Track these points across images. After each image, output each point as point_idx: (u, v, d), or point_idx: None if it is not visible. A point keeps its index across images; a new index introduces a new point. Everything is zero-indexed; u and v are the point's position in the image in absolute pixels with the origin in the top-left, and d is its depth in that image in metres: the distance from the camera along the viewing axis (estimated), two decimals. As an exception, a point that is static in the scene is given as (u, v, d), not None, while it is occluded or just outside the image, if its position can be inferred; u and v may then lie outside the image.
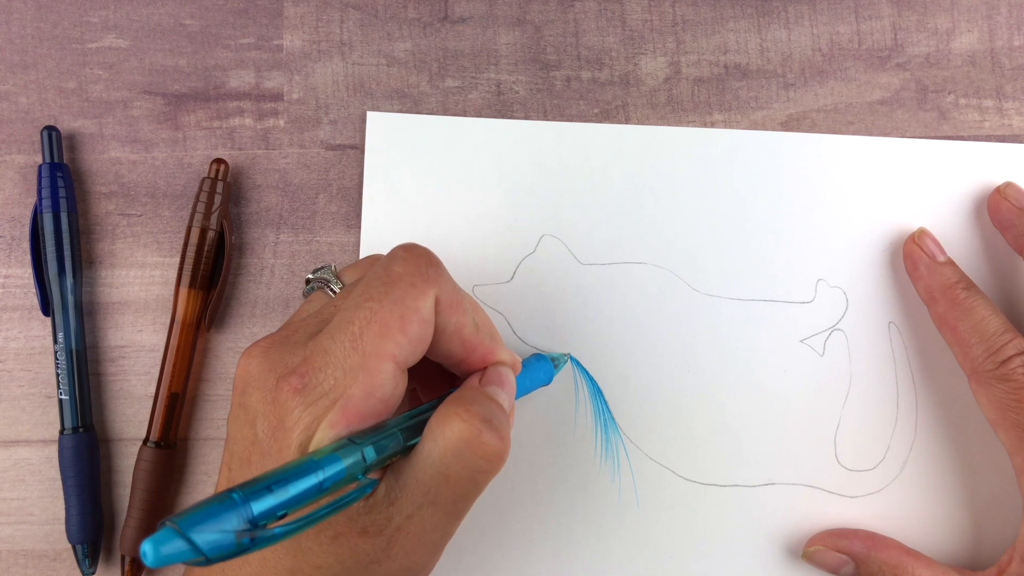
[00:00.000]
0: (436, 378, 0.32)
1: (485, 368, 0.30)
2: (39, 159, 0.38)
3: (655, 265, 0.38)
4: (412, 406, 0.30)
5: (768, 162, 0.38)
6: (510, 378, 0.30)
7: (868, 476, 0.37)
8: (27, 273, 0.38)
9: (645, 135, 0.38)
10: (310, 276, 0.32)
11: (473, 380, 0.29)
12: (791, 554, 0.36)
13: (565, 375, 0.37)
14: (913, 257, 0.36)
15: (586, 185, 0.38)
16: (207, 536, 0.19)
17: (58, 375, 0.37)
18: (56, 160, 0.38)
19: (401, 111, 0.39)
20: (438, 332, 0.28)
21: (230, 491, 0.21)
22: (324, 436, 0.25)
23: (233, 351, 0.38)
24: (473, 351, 0.29)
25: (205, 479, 0.38)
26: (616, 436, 0.37)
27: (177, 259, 0.38)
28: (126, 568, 0.36)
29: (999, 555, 0.35)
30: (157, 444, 0.36)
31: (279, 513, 0.22)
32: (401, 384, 0.27)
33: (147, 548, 0.18)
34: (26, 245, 0.38)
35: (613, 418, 0.37)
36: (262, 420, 0.26)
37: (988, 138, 0.39)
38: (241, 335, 0.38)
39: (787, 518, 0.36)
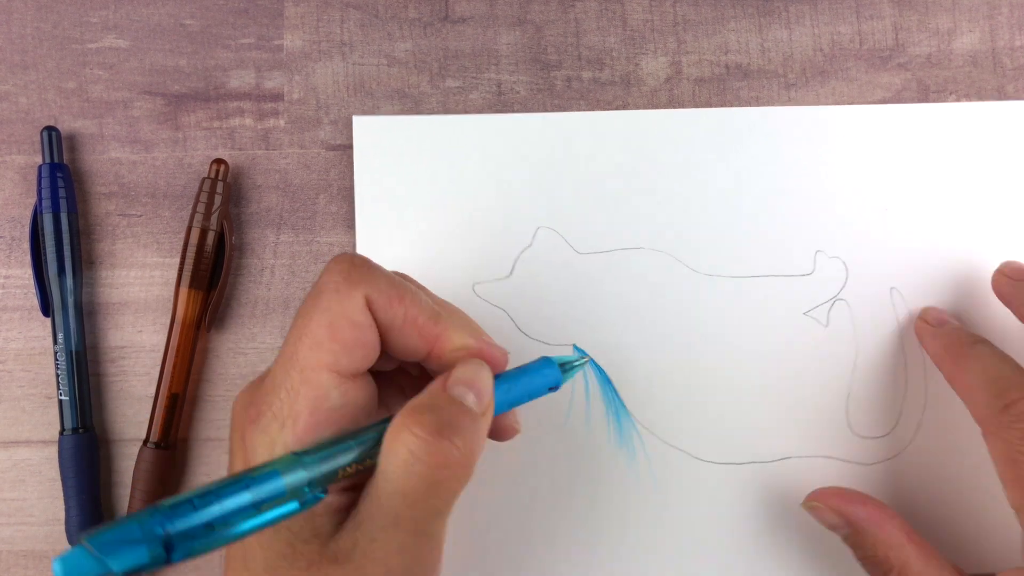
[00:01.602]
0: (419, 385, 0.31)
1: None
2: (39, 159, 0.38)
3: (653, 249, 0.38)
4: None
5: (758, 138, 0.38)
6: (481, 374, 0.27)
7: (882, 442, 0.37)
8: (27, 273, 0.38)
9: (632, 120, 0.38)
10: None
11: (437, 383, 0.27)
12: (811, 527, 0.36)
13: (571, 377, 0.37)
14: (920, 331, 0.36)
15: (578, 174, 0.38)
16: (117, 556, 0.20)
17: (58, 376, 0.37)
18: (56, 160, 0.37)
19: (401, 111, 0.39)
20: (386, 330, 0.27)
21: (154, 505, 0.21)
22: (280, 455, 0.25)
23: (233, 351, 0.38)
24: (435, 341, 0.28)
25: (205, 479, 0.38)
26: (629, 423, 0.37)
27: (177, 259, 0.38)
28: (126, 569, 0.36)
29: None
30: (157, 445, 0.36)
31: (204, 531, 0.22)
32: (351, 393, 0.26)
33: (57, 567, 0.19)
34: (26, 245, 0.38)
35: (624, 405, 0.37)
36: (236, 457, 0.27)
37: (989, 138, 0.39)
38: (241, 335, 0.38)
39: (805, 490, 0.36)
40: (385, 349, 0.28)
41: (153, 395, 0.37)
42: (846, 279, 0.38)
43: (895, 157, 0.38)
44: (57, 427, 0.37)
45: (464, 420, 0.26)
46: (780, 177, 0.38)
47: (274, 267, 0.38)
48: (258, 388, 0.28)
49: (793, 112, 0.38)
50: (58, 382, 0.37)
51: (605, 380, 0.37)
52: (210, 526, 0.22)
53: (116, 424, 0.38)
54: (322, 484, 0.25)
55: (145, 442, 0.37)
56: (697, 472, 0.37)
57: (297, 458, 0.24)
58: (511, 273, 0.37)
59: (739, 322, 0.37)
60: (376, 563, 0.25)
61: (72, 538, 0.36)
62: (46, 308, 0.37)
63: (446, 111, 0.39)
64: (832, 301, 0.37)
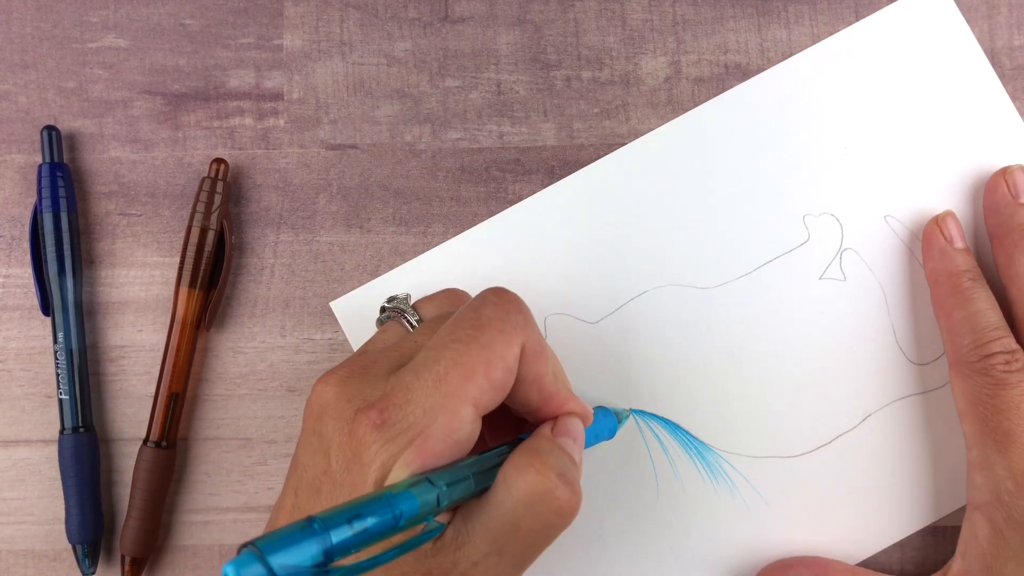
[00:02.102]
0: (503, 421, 0.32)
1: (556, 417, 0.29)
2: (39, 159, 0.38)
3: (656, 287, 0.38)
4: (478, 447, 0.30)
5: (712, 135, 0.38)
6: (581, 431, 0.29)
7: (942, 362, 0.37)
8: (27, 273, 0.38)
9: (595, 174, 0.38)
10: (385, 304, 0.33)
11: (545, 429, 0.29)
12: (924, 467, 0.36)
13: (632, 437, 0.37)
14: (930, 239, 0.36)
15: (562, 251, 0.38)
16: (285, 563, 0.19)
17: (58, 375, 0.37)
18: (56, 160, 0.38)
19: (401, 111, 0.39)
20: (519, 380, 0.28)
21: (311, 519, 0.21)
22: (399, 474, 0.25)
23: (233, 351, 0.38)
24: (550, 401, 0.29)
25: (205, 479, 0.38)
26: (712, 455, 0.37)
27: (177, 259, 0.38)
28: (126, 568, 0.36)
29: None
30: (157, 444, 0.36)
31: (353, 548, 0.21)
32: (477, 428, 0.27)
33: (228, 571, 0.18)
34: (26, 245, 0.38)
35: (700, 440, 0.37)
36: (336, 451, 0.26)
37: (988, 138, 0.39)
38: (241, 335, 0.38)
39: (897, 439, 0.36)
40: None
41: (153, 394, 0.37)
42: (841, 229, 0.38)
43: (835, 96, 0.38)
44: (57, 426, 0.37)
45: (574, 469, 0.27)
46: (743, 162, 0.38)
47: (274, 267, 0.38)
48: (369, 386, 0.27)
49: (733, 94, 0.38)
50: (58, 381, 0.37)
51: (672, 427, 0.37)
52: (360, 541, 0.22)
53: (116, 423, 0.38)
54: (442, 511, 0.25)
55: (145, 441, 0.37)
56: (794, 469, 0.37)
57: (432, 484, 0.24)
58: None
59: (766, 316, 0.37)
60: None
61: (72, 537, 0.36)
62: (46, 307, 0.37)
63: (446, 111, 0.39)
64: (839, 255, 0.38)
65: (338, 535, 0.21)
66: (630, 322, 0.37)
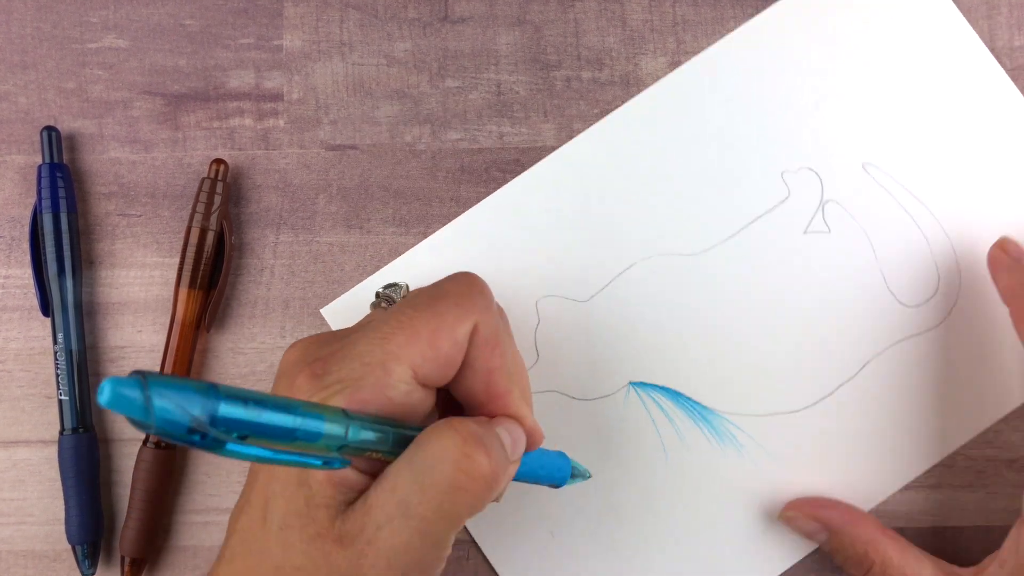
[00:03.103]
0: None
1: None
2: (39, 159, 0.38)
3: (643, 258, 0.38)
4: None
5: (681, 104, 0.38)
6: (520, 437, 0.28)
7: (936, 302, 0.37)
8: (27, 273, 0.38)
9: (561, 159, 0.38)
10: (379, 290, 0.33)
11: (483, 417, 0.28)
12: (927, 406, 0.37)
13: (635, 410, 0.37)
14: (997, 262, 0.36)
15: (544, 235, 0.38)
16: (165, 404, 0.19)
17: (58, 375, 0.37)
18: (56, 160, 0.38)
19: (401, 111, 0.39)
20: (467, 366, 0.28)
21: (214, 384, 0.20)
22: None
23: (233, 351, 0.38)
24: (496, 399, 0.28)
25: (205, 479, 0.38)
26: (717, 419, 0.37)
27: (177, 259, 0.38)
28: (126, 568, 0.36)
29: None
30: (157, 444, 0.36)
31: (239, 430, 0.21)
32: (418, 396, 0.27)
33: (106, 385, 0.18)
34: (26, 245, 0.38)
35: (703, 405, 0.37)
36: None
37: (989, 138, 0.39)
38: (241, 335, 0.38)
39: (898, 382, 0.37)
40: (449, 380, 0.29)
41: (153, 395, 0.37)
42: (821, 182, 0.38)
43: (804, 51, 0.38)
44: (57, 427, 0.37)
45: (499, 450, 0.27)
46: (716, 127, 0.38)
47: (274, 267, 0.38)
48: (325, 346, 0.27)
49: (700, 60, 0.38)
50: (58, 382, 0.37)
51: (675, 395, 0.37)
52: (248, 430, 0.21)
53: (116, 424, 0.38)
54: (351, 453, 0.25)
55: (145, 442, 0.37)
56: (798, 424, 0.37)
57: (346, 417, 0.24)
58: (537, 354, 0.37)
59: (755, 275, 0.38)
60: (378, 553, 0.25)
61: (72, 537, 0.36)
62: (46, 308, 0.37)
63: (445, 111, 0.39)
64: (821, 208, 0.38)
65: (228, 408, 0.20)
66: (621, 296, 0.38)
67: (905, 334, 0.37)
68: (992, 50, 0.39)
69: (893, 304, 0.37)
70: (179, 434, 0.19)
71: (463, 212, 0.38)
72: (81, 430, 0.37)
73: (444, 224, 0.38)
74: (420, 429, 0.27)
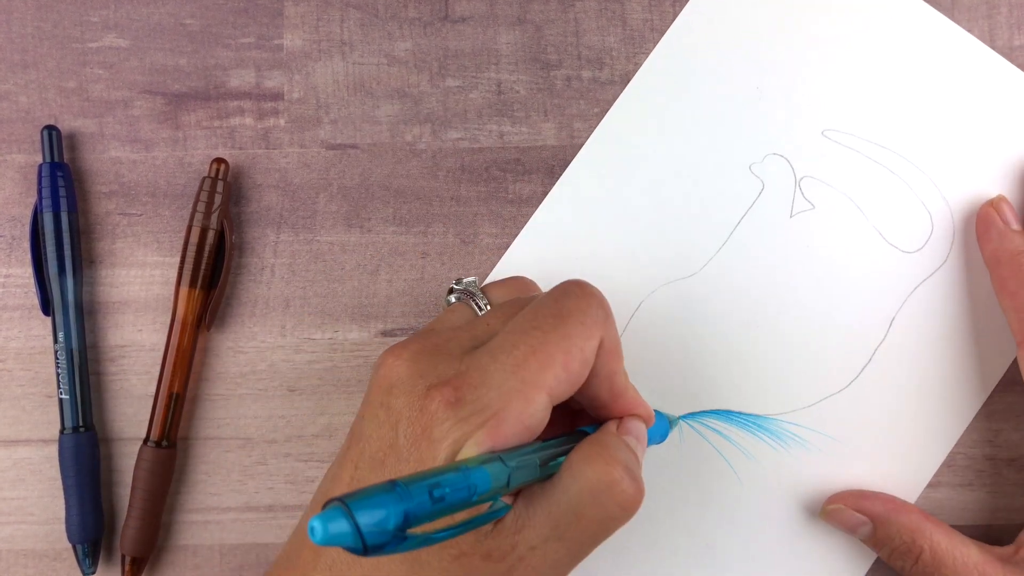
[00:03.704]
0: (561, 412, 0.31)
1: (621, 417, 0.29)
2: (39, 159, 0.38)
3: (649, 294, 0.38)
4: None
5: (631, 133, 0.38)
6: (644, 432, 0.30)
7: (933, 246, 0.38)
8: (27, 273, 0.38)
9: (536, 221, 0.38)
10: (454, 286, 0.33)
11: (611, 426, 0.29)
12: (963, 346, 0.37)
13: (693, 443, 0.37)
14: (987, 220, 0.37)
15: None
16: (370, 521, 0.19)
17: (58, 375, 0.37)
18: (56, 160, 0.38)
19: (402, 111, 0.39)
20: (592, 374, 0.28)
21: (394, 483, 0.20)
22: (469, 452, 0.25)
23: (233, 351, 0.38)
24: (619, 399, 0.29)
25: (205, 479, 0.38)
26: (771, 423, 0.37)
27: (177, 259, 0.38)
28: (126, 568, 0.36)
29: None
30: (157, 444, 0.36)
31: (428, 518, 0.21)
32: (547, 416, 0.27)
33: (315, 524, 0.18)
34: (26, 245, 0.38)
35: (754, 415, 0.37)
36: (406, 425, 0.26)
37: (988, 138, 0.39)
38: (241, 335, 0.38)
39: (927, 328, 0.37)
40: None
41: (153, 394, 0.37)
42: (789, 163, 0.38)
43: (730, 42, 0.39)
44: (57, 426, 0.37)
45: (638, 467, 0.27)
46: (673, 142, 0.38)
47: (274, 266, 0.38)
48: (442, 362, 0.27)
49: (632, 87, 0.39)
50: (58, 381, 0.37)
51: (723, 415, 0.37)
52: (434, 507, 0.21)
53: (116, 423, 0.38)
54: (507, 493, 0.25)
55: (145, 441, 0.37)
56: (850, 401, 0.37)
57: (503, 463, 0.24)
58: None
59: (758, 273, 0.38)
60: (530, 569, 0.26)
61: (72, 537, 0.36)
62: (46, 307, 0.37)
63: (446, 111, 0.39)
64: (797, 187, 0.38)
65: (418, 501, 0.21)
66: (640, 336, 0.37)
67: (919, 279, 0.37)
68: (992, 49, 0.39)
69: (896, 255, 0.38)
70: (389, 543, 0.20)
71: (463, 211, 0.38)
72: (81, 429, 0.37)
73: (444, 223, 0.38)
74: (560, 446, 0.27)
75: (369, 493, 0.20)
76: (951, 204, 0.38)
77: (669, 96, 0.39)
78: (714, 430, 0.37)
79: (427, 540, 0.21)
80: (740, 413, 0.37)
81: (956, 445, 0.37)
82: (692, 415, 0.37)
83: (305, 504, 0.37)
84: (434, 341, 0.28)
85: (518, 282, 0.34)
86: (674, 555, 0.36)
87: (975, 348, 0.37)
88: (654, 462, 0.37)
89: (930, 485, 0.37)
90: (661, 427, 0.34)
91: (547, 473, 0.27)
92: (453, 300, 0.33)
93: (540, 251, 0.38)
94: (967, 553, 0.33)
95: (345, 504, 0.19)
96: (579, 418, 0.31)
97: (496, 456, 0.24)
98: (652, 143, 0.38)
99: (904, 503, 0.35)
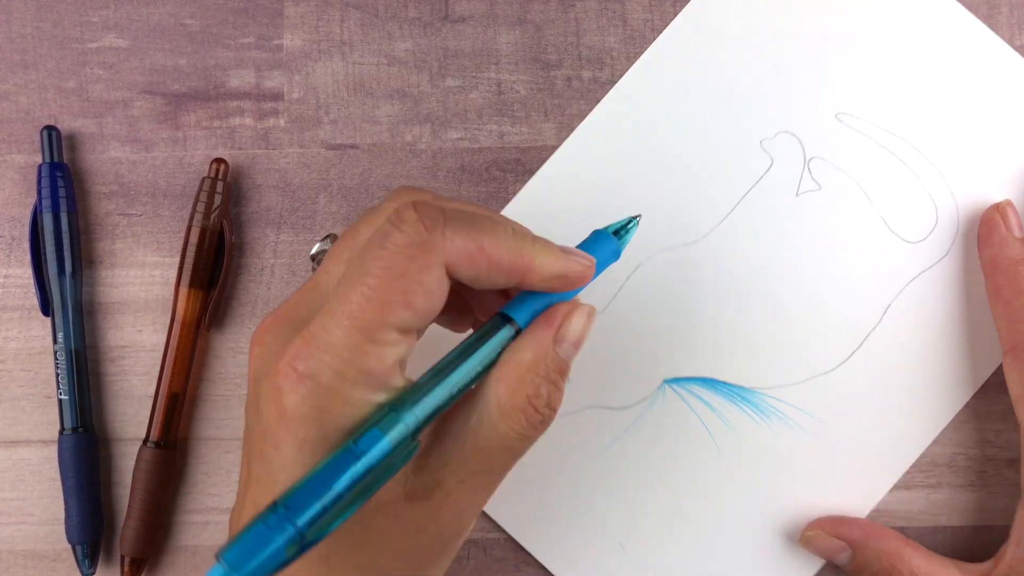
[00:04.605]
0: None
1: (551, 314, 0.27)
2: (39, 159, 0.38)
3: (647, 257, 0.38)
4: (458, 311, 0.29)
5: (646, 100, 0.38)
6: (588, 327, 0.27)
7: (937, 235, 0.38)
8: (27, 273, 0.38)
9: (543, 179, 0.38)
10: (314, 251, 0.31)
11: (545, 335, 0.26)
12: (955, 338, 0.37)
13: (676, 406, 0.37)
14: (990, 224, 0.36)
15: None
16: (254, 565, 0.19)
17: (58, 375, 0.37)
18: (56, 160, 0.37)
19: (402, 111, 0.39)
20: (474, 280, 0.26)
21: (274, 506, 0.20)
22: (335, 424, 0.24)
23: (233, 351, 0.38)
24: (526, 275, 0.26)
25: (205, 479, 0.38)
26: (756, 396, 0.37)
27: (177, 259, 0.38)
28: (126, 568, 0.36)
29: None
30: (157, 444, 0.36)
31: (329, 514, 0.21)
32: (408, 344, 0.25)
33: None
34: (26, 245, 0.38)
35: (740, 386, 0.37)
36: (267, 407, 0.25)
37: (989, 138, 0.39)
38: (241, 335, 0.38)
39: (922, 318, 0.37)
40: (464, 292, 0.28)
41: (153, 395, 0.37)
42: (800, 142, 0.38)
43: (756, 17, 0.39)
44: (57, 427, 0.37)
45: (562, 388, 0.27)
46: (686, 114, 0.38)
47: (274, 267, 0.38)
48: (293, 332, 0.25)
49: (651, 55, 0.39)
50: (58, 381, 0.37)
51: (709, 383, 0.37)
52: (329, 507, 0.21)
53: (116, 424, 0.38)
54: (418, 434, 0.24)
55: (145, 441, 0.37)
56: (836, 382, 0.37)
57: (397, 412, 0.23)
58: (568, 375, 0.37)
59: (759, 247, 0.38)
60: (456, 501, 0.26)
61: (72, 537, 0.36)
62: (46, 307, 0.37)
63: (446, 111, 0.39)
64: (806, 167, 0.38)
65: (305, 514, 0.20)
66: (635, 298, 0.38)
67: (918, 270, 0.38)
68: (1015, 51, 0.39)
69: (899, 244, 0.38)
70: (283, 564, 0.20)
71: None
72: (81, 430, 0.37)
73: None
74: (480, 353, 0.26)
75: (246, 534, 0.20)
76: (958, 200, 0.38)
77: (689, 63, 0.38)
78: (697, 397, 0.37)
79: (334, 524, 0.21)
80: (725, 383, 0.37)
81: (957, 446, 0.37)
82: (677, 380, 0.37)
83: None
84: (284, 312, 0.27)
85: (371, 216, 0.29)
86: (642, 516, 0.37)
87: (967, 345, 0.37)
88: (632, 421, 0.37)
89: (931, 486, 0.37)
90: (609, 247, 0.29)
91: (468, 388, 0.25)
92: (315, 267, 0.31)
93: (554, 197, 0.38)
94: (947, 575, 0.34)
95: (222, 560, 0.19)
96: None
97: (386, 408, 0.23)
98: (667, 108, 0.38)
99: (882, 528, 0.35)
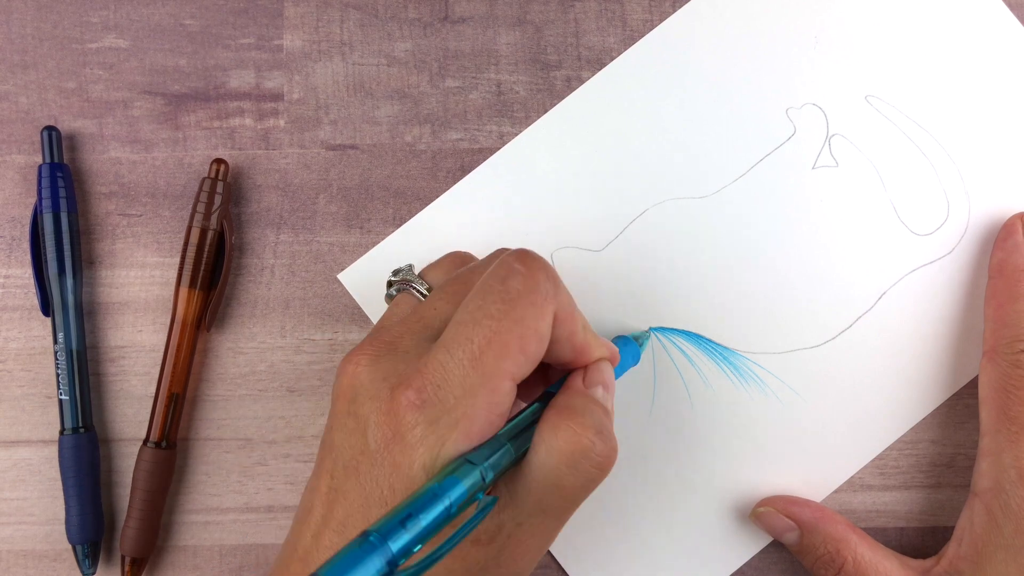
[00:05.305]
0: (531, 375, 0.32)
1: (587, 367, 0.29)
2: (39, 159, 0.38)
3: (656, 204, 0.38)
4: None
5: (682, 48, 0.38)
6: (611, 375, 0.30)
7: (946, 230, 0.38)
8: (27, 273, 0.38)
9: (566, 111, 0.38)
10: (391, 279, 0.32)
11: (576, 382, 0.29)
12: (945, 334, 0.37)
13: (657, 355, 0.37)
14: (1010, 229, 0.37)
15: (555, 187, 0.38)
16: None
17: (58, 375, 0.37)
18: (56, 160, 0.38)
19: (401, 111, 0.39)
20: (552, 342, 0.28)
21: (366, 534, 0.21)
22: (448, 457, 0.25)
23: (233, 351, 0.38)
24: (581, 353, 0.29)
25: (205, 479, 0.38)
26: (738, 358, 0.37)
27: (177, 259, 0.38)
28: (126, 568, 0.36)
29: None
30: (157, 444, 0.36)
31: (414, 549, 0.22)
32: (513, 398, 0.27)
33: None
34: (26, 245, 0.38)
35: (724, 346, 0.37)
36: (375, 430, 0.26)
37: (989, 138, 0.39)
38: (241, 335, 0.38)
39: (915, 311, 0.37)
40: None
41: (153, 395, 0.37)
42: (825, 117, 0.38)
43: None
44: (57, 427, 0.37)
45: (608, 421, 0.28)
46: (718, 69, 0.38)
47: (274, 267, 0.38)
48: (402, 363, 0.27)
49: (695, 5, 0.39)
50: (58, 382, 0.37)
51: (695, 338, 0.37)
52: (416, 539, 0.22)
53: (116, 424, 0.38)
54: (488, 488, 0.25)
55: (145, 442, 0.37)
56: (819, 359, 0.37)
57: (474, 465, 0.24)
58: None
59: (767, 213, 0.38)
60: (520, 544, 0.27)
61: (72, 537, 0.36)
62: (46, 308, 0.37)
63: (446, 111, 0.39)
64: (827, 142, 0.38)
65: (396, 542, 0.21)
66: (636, 243, 0.38)
67: (918, 263, 0.38)
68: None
69: (905, 233, 0.38)
70: None
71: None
72: (81, 430, 0.37)
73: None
74: (529, 418, 0.28)
75: (343, 556, 0.20)
76: (971, 201, 0.38)
77: (726, 21, 0.38)
78: (680, 349, 0.37)
79: (424, 566, 0.22)
80: (711, 340, 0.37)
81: (957, 446, 0.37)
82: (663, 329, 0.37)
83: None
84: (386, 339, 0.28)
85: (453, 257, 0.33)
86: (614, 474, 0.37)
87: (953, 345, 0.37)
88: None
89: (931, 486, 0.37)
90: (631, 351, 0.34)
91: (523, 449, 0.27)
92: (394, 293, 0.32)
93: (571, 129, 0.38)
94: (889, 567, 0.34)
95: None
96: (550, 372, 0.31)
97: (463, 459, 0.25)
98: (698, 61, 0.38)
99: (832, 513, 0.36)
